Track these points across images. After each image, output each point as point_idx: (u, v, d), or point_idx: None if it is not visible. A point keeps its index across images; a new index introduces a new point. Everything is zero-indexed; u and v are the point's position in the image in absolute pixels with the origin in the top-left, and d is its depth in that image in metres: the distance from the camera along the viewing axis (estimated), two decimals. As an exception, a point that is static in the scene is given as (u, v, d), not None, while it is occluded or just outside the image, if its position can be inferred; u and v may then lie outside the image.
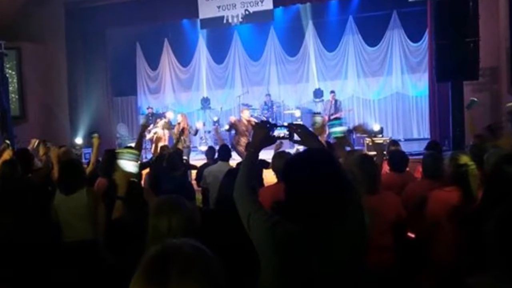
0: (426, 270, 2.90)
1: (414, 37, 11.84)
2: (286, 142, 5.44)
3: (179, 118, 9.09)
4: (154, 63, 13.94)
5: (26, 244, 3.15)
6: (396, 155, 4.27)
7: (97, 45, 11.85)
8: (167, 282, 0.93)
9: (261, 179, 4.50)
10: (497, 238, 1.48)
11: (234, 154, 6.82)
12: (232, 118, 9.30)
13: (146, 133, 7.76)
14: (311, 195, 1.54)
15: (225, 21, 11.10)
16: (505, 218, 1.50)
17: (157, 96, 14.05)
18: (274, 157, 3.86)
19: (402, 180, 3.83)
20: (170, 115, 10.34)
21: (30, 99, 10.98)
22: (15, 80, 10.70)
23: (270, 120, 10.78)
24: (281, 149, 4.74)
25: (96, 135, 4.90)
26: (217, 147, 5.85)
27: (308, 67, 12.75)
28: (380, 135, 10.01)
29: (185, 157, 7.09)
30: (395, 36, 12.07)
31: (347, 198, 1.59)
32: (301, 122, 5.24)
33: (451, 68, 6.71)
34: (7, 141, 5.33)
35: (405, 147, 6.08)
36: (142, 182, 4.26)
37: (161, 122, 9.62)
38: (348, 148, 3.89)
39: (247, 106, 11.33)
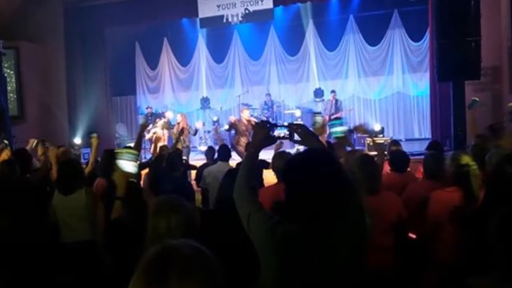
0: (427, 270, 2.89)
1: (415, 36, 11.80)
2: (286, 142, 5.42)
3: (179, 118, 9.08)
4: (153, 62, 13.90)
5: (24, 244, 3.14)
6: (397, 155, 4.25)
7: (96, 45, 11.84)
8: (167, 283, 0.93)
9: (261, 179, 4.50)
10: (499, 238, 1.48)
11: (234, 154, 6.81)
12: (232, 118, 9.28)
13: (145, 133, 7.78)
14: (312, 195, 1.53)
15: (225, 20, 11.09)
16: (507, 218, 1.49)
17: (157, 95, 14.01)
18: (274, 157, 3.85)
19: (403, 180, 3.81)
20: (169, 115, 10.34)
21: (28, 99, 10.93)
22: (13, 80, 10.65)
23: (270, 120, 10.75)
24: (281, 149, 4.73)
25: (95, 135, 4.89)
26: (216, 147, 5.84)
27: (308, 66, 12.71)
28: (381, 135, 10.00)
29: (184, 157, 7.08)
30: (396, 35, 12.03)
31: (348, 198, 1.58)
32: (301, 122, 5.24)
33: (452, 67, 6.69)
34: (6, 141, 5.33)
35: (406, 147, 6.08)
36: (141, 182, 4.24)
37: (160, 122, 9.59)
38: (348, 148, 3.88)
39: (247, 105, 11.28)
